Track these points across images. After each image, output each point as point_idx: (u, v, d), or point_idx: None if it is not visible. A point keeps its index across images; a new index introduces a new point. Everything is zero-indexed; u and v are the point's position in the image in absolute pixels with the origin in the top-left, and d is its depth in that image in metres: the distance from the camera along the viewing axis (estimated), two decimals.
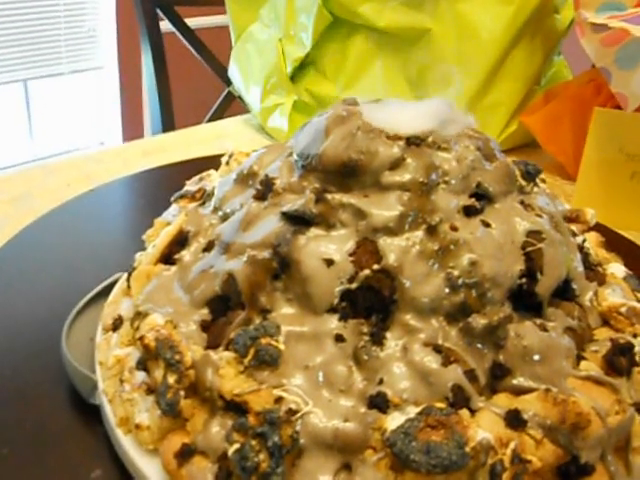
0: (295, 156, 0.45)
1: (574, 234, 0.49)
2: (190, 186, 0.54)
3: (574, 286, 0.43)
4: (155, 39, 1.31)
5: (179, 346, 0.40)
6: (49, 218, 0.67)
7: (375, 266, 0.40)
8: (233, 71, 1.02)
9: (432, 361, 0.38)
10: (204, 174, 0.55)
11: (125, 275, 0.50)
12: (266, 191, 0.45)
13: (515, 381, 0.38)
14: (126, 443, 0.39)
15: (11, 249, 0.62)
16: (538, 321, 0.41)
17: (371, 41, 0.86)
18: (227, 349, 0.40)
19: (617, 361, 0.40)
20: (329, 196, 0.42)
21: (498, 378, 0.39)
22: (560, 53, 0.98)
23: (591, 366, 0.40)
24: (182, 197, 0.53)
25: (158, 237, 0.48)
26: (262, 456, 0.35)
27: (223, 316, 0.42)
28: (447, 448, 0.34)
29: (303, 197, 0.43)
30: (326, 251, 0.40)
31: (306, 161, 0.44)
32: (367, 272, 0.40)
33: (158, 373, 0.40)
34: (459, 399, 0.37)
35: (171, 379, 0.39)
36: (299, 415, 0.36)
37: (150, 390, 0.40)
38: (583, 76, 0.89)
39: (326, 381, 0.38)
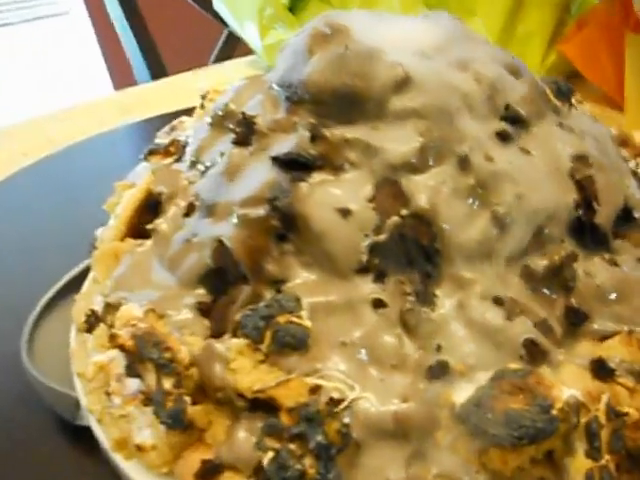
0: (275, 86, 0.37)
1: (625, 159, 0.43)
2: (160, 138, 0.45)
3: (636, 215, 0.37)
4: None
5: (167, 341, 0.32)
6: None
7: (404, 211, 0.33)
8: (219, 6, 0.92)
9: (495, 316, 0.32)
10: (175, 122, 0.46)
11: None
12: (247, 133, 0.37)
13: (596, 325, 0.32)
14: (131, 471, 0.31)
15: None
16: (607, 256, 0.35)
17: None
18: (235, 335, 0.32)
19: None
20: (327, 132, 0.34)
21: (576, 325, 0.33)
22: None
23: None
24: (152, 153, 0.44)
25: (119, 205, 0.39)
26: (307, 461, 0.29)
27: (224, 294, 0.34)
28: (530, 415, 0.28)
29: (295, 136, 0.35)
30: (338, 199, 0.33)
31: (290, 91, 0.36)
32: (395, 219, 0.32)
33: (150, 378, 0.32)
34: (535, 355, 0.31)
35: (167, 384, 0.31)
36: (346, 404, 0.29)
37: (149, 400, 0.32)
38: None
39: (372, 357, 0.31)
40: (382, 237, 0.32)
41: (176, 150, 0.43)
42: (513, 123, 0.37)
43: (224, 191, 0.35)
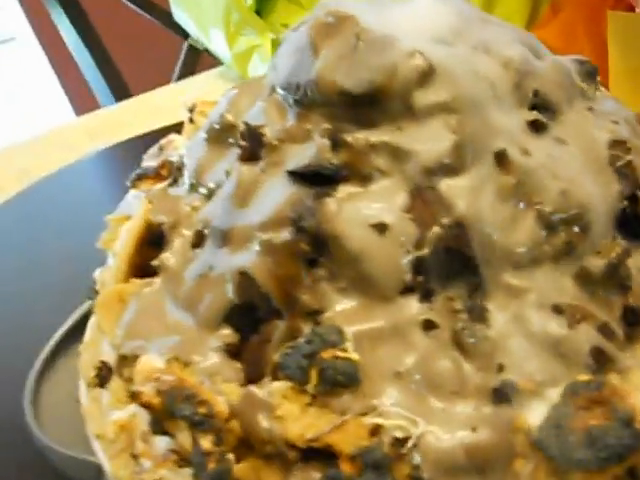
0: (280, 90, 0.33)
1: None
2: (149, 161, 0.41)
3: None
4: None
5: (200, 393, 0.29)
6: None
7: (445, 219, 0.30)
8: (179, 17, 0.86)
9: (557, 325, 0.29)
10: (163, 141, 0.41)
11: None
12: (255, 147, 0.33)
13: None
14: None
15: None
16: None
17: None
18: (276, 378, 0.29)
19: None
20: (349, 137, 0.31)
21: (634, 325, 0.30)
22: None
23: None
24: (141, 178, 0.39)
25: (117, 241, 0.34)
26: None
27: (255, 332, 0.31)
28: (613, 432, 0.26)
29: (311, 145, 0.31)
30: (372, 213, 0.30)
31: (298, 94, 0.32)
32: (437, 230, 0.29)
33: (183, 437, 0.28)
34: (603, 363, 0.29)
35: (206, 442, 0.28)
36: (412, 442, 0.26)
37: (184, 460, 0.28)
38: None
39: (429, 385, 0.28)
40: (425, 251, 0.29)
41: (169, 173, 0.38)
42: (543, 110, 0.34)
43: (238, 215, 0.31)
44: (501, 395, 0.28)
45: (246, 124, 0.33)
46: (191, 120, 0.41)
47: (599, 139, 0.33)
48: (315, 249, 0.30)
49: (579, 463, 0.25)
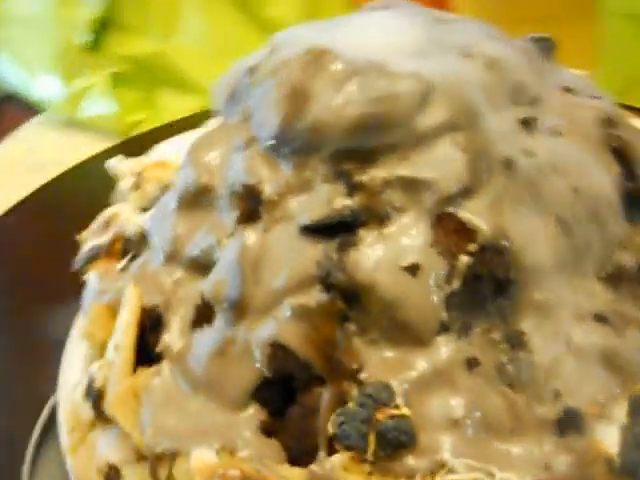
0: (269, 141, 0.30)
1: None
2: (95, 239, 0.37)
3: None
4: None
5: None
6: None
7: (471, 246, 0.28)
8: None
9: (603, 336, 0.28)
10: (107, 215, 0.37)
11: (78, 398, 0.33)
12: (254, 206, 0.30)
13: None
14: None
15: None
16: None
17: None
18: (332, 450, 0.26)
19: None
20: (362, 177, 0.28)
21: None
22: None
23: None
24: (93, 259, 0.36)
25: (115, 333, 0.31)
26: None
27: (282, 407, 0.28)
28: None
29: (318, 193, 0.29)
30: (401, 255, 0.27)
31: (296, 142, 0.29)
32: (465, 259, 0.28)
33: None
34: None
35: None
36: None
37: None
38: None
39: (486, 428, 0.27)
40: (456, 285, 0.28)
41: (125, 247, 0.35)
42: (527, 103, 0.32)
43: (252, 282, 0.28)
44: (567, 425, 0.26)
45: (244, 185, 0.30)
46: (137, 186, 0.37)
47: (587, 119, 0.32)
48: (349, 304, 0.28)
49: None
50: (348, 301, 0.28)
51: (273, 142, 0.29)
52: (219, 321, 0.29)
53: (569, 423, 0.26)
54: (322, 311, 0.27)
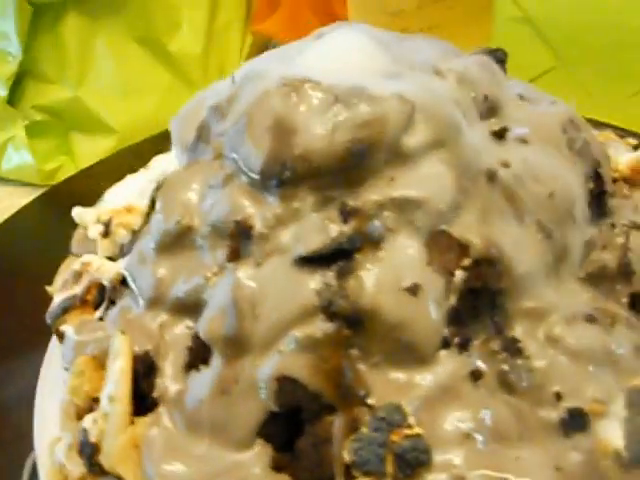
0: (253, 175, 0.30)
1: None
2: (66, 290, 0.35)
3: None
4: None
5: None
6: None
7: (465, 261, 0.28)
8: None
9: (594, 335, 0.29)
10: (78, 265, 0.36)
11: (61, 455, 0.30)
12: (244, 241, 0.29)
13: None
14: None
15: None
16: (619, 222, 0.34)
17: (84, 16, 0.68)
18: (350, 477, 0.26)
19: None
20: (355, 202, 0.28)
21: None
22: None
23: None
24: (67, 310, 0.34)
25: (107, 384, 0.29)
26: None
27: (287, 440, 0.28)
28: None
29: (311, 222, 0.28)
30: (401, 275, 0.28)
31: (284, 174, 0.29)
32: (462, 274, 0.28)
33: None
34: None
35: None
36: None
37: None
38: None
39: (495, 437, 0.27)
40: (453, 300, 0.28)
41: (100, 295, 0.34)
42: (493, 115, 0.33)
43: (249, 318, 0.28)
44: (571, 425, 0.27)
45: (235, 222, 0.29)
46: (106, 234, 0.35)
47: (551, 125, 0.33)
48: (354, 330, 0.27)
49: None
50: (351, 327, 0.27)
51: (256, 176, 0.29)
52: (216, 360, 0.29)
53: (573, 423, 0.27)
54: (329, 340, 0.27)
